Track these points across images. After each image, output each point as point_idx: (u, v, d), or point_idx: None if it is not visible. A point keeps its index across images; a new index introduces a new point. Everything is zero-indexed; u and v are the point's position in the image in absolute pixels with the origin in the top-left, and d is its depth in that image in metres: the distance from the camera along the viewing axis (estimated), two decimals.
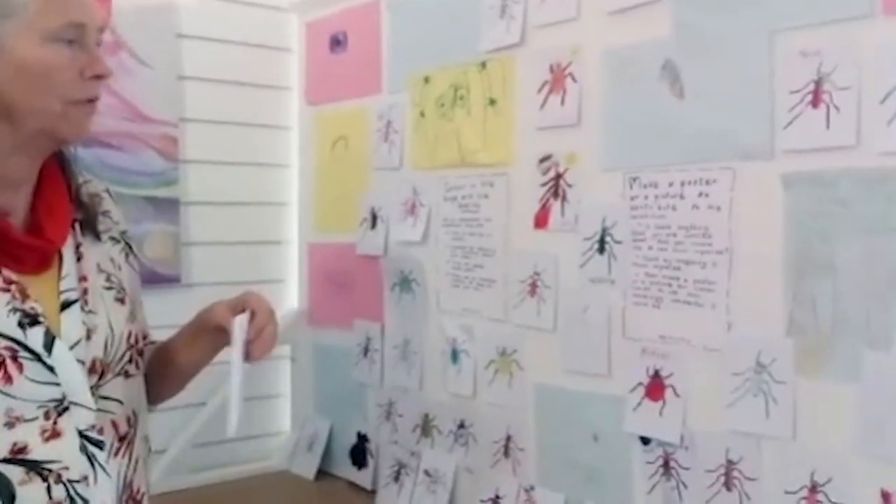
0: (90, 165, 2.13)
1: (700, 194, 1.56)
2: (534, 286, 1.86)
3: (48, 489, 1.07)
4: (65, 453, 1.09)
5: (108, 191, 1.32)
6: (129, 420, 1.18)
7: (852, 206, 1.36)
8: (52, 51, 1.08)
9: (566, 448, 1.80)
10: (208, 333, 1.28)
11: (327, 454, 2.41)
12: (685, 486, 1.58)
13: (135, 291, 1.28)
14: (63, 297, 1.13)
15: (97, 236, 1.22)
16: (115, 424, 1.15)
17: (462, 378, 2.03)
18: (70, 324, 1.12)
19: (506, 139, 1.92)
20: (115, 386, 1.15)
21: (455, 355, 2.05)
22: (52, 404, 1.08)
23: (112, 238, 1.26)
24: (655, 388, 1.64)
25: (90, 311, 1.14)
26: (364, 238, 2.30)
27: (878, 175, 1.32)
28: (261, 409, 2.54)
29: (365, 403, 2.31)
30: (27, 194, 1.15)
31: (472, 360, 2.00)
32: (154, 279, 2.26)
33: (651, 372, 1.64)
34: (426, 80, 2.12)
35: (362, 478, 2.29)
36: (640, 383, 1.66)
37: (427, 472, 2.09)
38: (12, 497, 1.05)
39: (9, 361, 1.06)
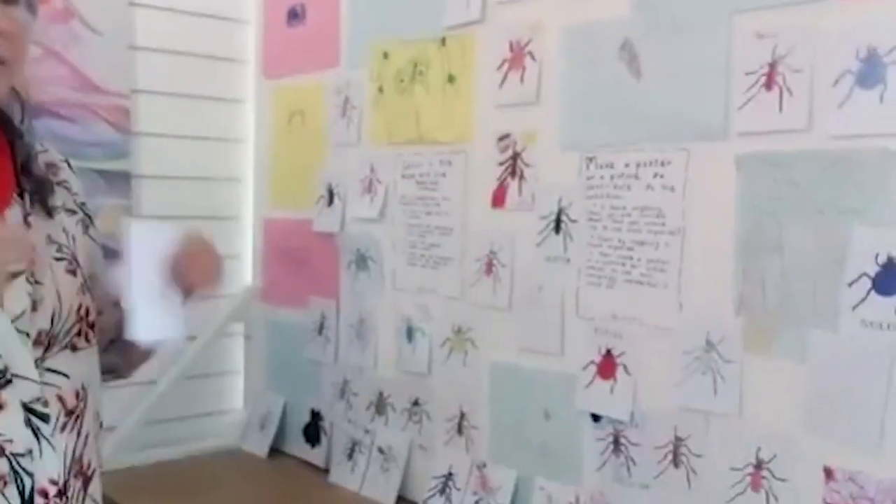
0: (40, 136, 2.12)
1: (655, 175, 1.57)
2: (490, 265, 1.86)
3: None
4: (8, 426, 1.06)
5: (67, 161, 1.28)
6: (77, 394, 1.15)
7: (803, 188, 1.38)
8: None
9: (519, 425, 1.81)
10: None
11: (280, 432, 2.40)
12: (634, 463, 1.60)
13: (94, 264, 1.25)
14: (7, 268, 1.08)
15: (47, 206, 1.18)
16: (61, 398, 1.12)
17: (417, 356, 2.03)
18: (13, 295, 1.08)
19: (464, 117, 1.92)
20: (61, 359, 1.13)
21: (410, 333, 2.04)
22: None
23: (68, 210, 1.23)
24: (607, 366, 1.65)
25: (36, 283, 1.11)
26: (320, 215, 2.29)
27: (829, 158, 1.34)
28: (213, 386, 2.52)
29: (319, 381, 2.30)
30: None
31: (427, 338, 2.00)
32: (105, 254, 2.21)
33: (603, 351, 1.65)
34: (385, 55, 2.10)
35: (315, 456, 2.28)
36: (593, 362, 1.67)
37: (380, 450, 2.09)
38: None
39: None
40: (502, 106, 1.84)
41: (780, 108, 1.39)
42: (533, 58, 1.77)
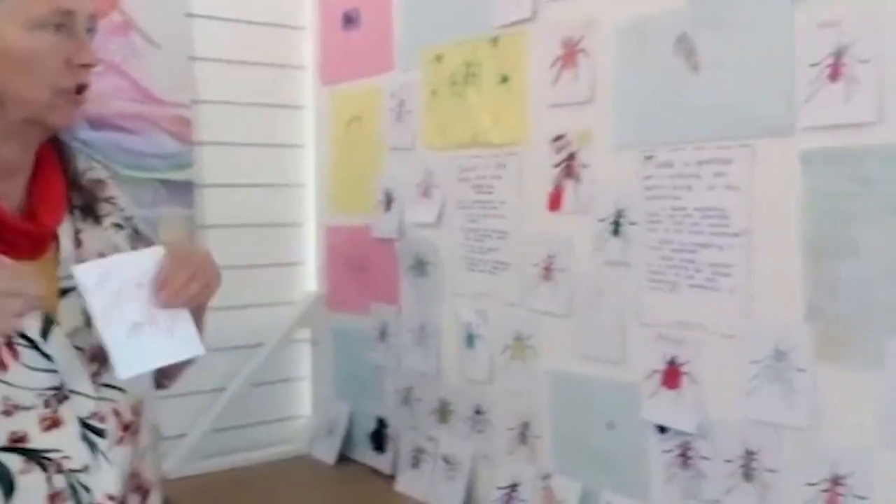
0: (103, 149, 2.16)
1: (716, 174, 1.49)
2: (548, 270, 1.81)
3: (48, 479, 1.05)
4: (65, 442, 1.07)
5: (111, 177, 1.30)
6: (133, 409, 1.15)
7: (874, 186, 1.28)
8: (38, 38, 1.06)
9: (583, 436, 1.75)
10: None
11: (348, 438, 2.39)
12: (704, 477, 1.53)
13: None
14: (62, 283, 1.11)
15: (98, 222, 1.20)
16: (117, 413, 1.12)
17: (477, 363, 1.98)
18: (69, 311, 1.10)
19: (518, 118, 1.86)
20: (113, 373, 1.11)
21: (470, 340, 2.00)
22: (51, 392, 1.06)
23: (115, 224, 1.23)
24: (672, 375, 1.58)
25: None
26: (379, 220, 2.26)
27: None
28: (281, 393, 2.52)
29: (383, 388, 2.28)
30: (22, 181, 1.13)
31: (487, 345, 1.96)
32: None
33: (667, 359, 1.58)
34: (438, 57, 2.06)
35: (382, 463, 2.26)
36: (656, 370, 1.60)
37: (445, 459, 2.06)
38: (11, 486, 1.03)
39: (3, 348, 1.03)
40: (556, 105, 1.77)
41: (848, 101, 1.30)
42: (586, 55, 1.71)
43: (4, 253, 1.06)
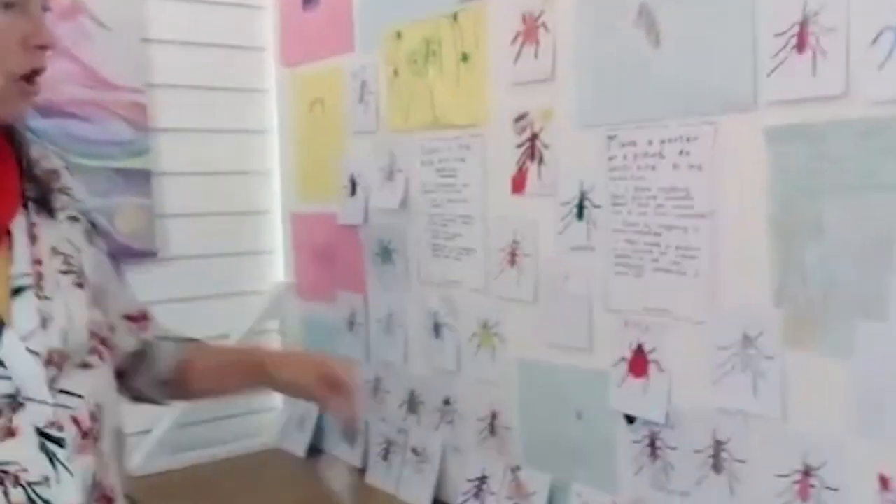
0: (54, 137, 2.07)
1: (680, 152, 1.42)
2: (513, 255, 1.74)
3: (5, 493, 0.98)
4: (22, 453, 0.99)
5: (66, 166, 1.21)
6: (92, 415, 1.07)
7: (841, 162, 1.21)
8: None
9: (551, 426, 1.69)
10: (266, 379, 1.30)
11: (318, 431, 2.32)
12: (672, 468, 1.47)
13: (103, 273, 1.19)
14: (14, 282, 1.03)
15: (52, 215, 1.12)
16: (76, 420, 1.04)
17: (445, 353, 1.92)
18: (22, 312, 1.02)
19: (479, 97, 1.79)
20: (75, 379, 1.05)
21: (437, 329, 1.94)
22: (5, 401, 0.98)
23: (71, 217, 1.15)
24: (638, 363, 1.52)
25: (45, 298, 1.04)
26: (344, 206, 2.19)
27: (868, 126, 1.18)
28: None
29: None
30: None
31: (454, 334, 1.90)
32: (128, 253, 2.17)
33: (634, 346, 1.52)
34: (398, 35, 1.98)
35: (353, 455, 2.19)
36: (623, 358, 1.54)
37: (415, 451, 2.00)
38: None
39: None
40: (517, 84, 1.70)
41: (814, 73, 1.23)
42: (546, 30, 1.63)
43: None
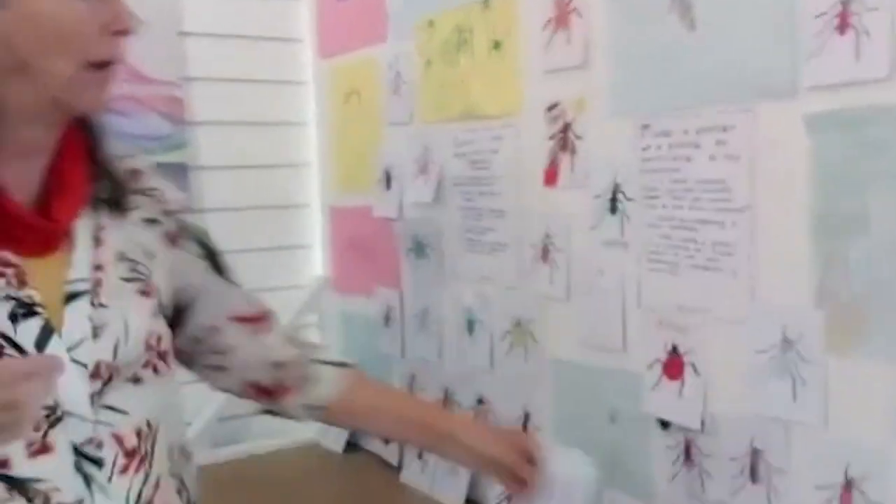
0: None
1: (717, 142, 1.34)
2: (546, 250, 1.67)
3: None
4: (55, 471, 0.93)
5: (154, 168, 1.17)
6: (139, 433, 1.01)
7: (887, 150, 1.12)
8: (66, 4, 0.93)
9: (585, 428, 1.62)
10: (452, 447, 1.26)
11: None
12: (709, 476, 1.39)
13: (195, 276, 1.15)
14: (69, 287, 0.98)
15: (124, 217, 1.06)
16: (118, 438, 0.98)
17: (478, 350, 1.86)
18: (74, 319, 0.97)
19: (512, 86, 1.72)
20: (122, 393, 0.99)
21: (471, 325, 1.88)
22: (42, 413, 0.92)
23: (148, 220, 1.10)
24: (673, 365, 1.44)
25: (101, 306, 0.99)
26: (379, 200, 2.14)
27: None
28: None
29: (390, 374, 2.17)
30: (40, 166, 1.00)
31: (487, 330, 1.84)
32: None
33: (669, 347, 1.44)
34: (431, 24, 1.93)
35: (389, 453, 2.16)
36: (658, 359, 1.46)
37: None
38: None
39: None
40: (549, 72, 1.63)
41: (857, 56, 1.14)
42: (579, 15, 1.56)
43: (8, 248, 0.95)
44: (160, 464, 1.03)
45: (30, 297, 0.94)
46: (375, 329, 2.19)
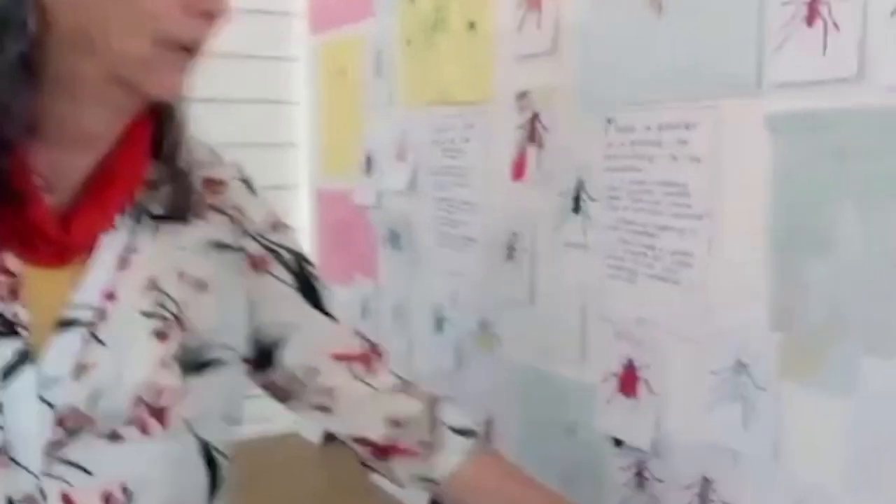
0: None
1: (679, 141, 1.22)
2: (511, 249, 1.57)
3: None
4: None
5: (246, 181, 1.04)
6: (107, 498, 0.85)
7: (852, 160, 0.99)
8: None
9: (543, 440, 1.52)
10: None
11: None
12: (659, 502, 1.28)
13: (285, 308, 1.02)
14: (66, 312, 0.84)
15: (175, 236, 0.92)
16: (67, 500, 0.83)
17: (445, 350, 1.77)
18: (58, 351, 0.83)
19: (484, 71, 1.61)
20: (88, 450, 0.84)
21: (440, 323, 1.79)
22: None
23: (219, 245, 0.96)
24: (628, 380, 1.33)
25: (96, 342, 0.85)
26: (359, 185, 2.05)
27: (886, 117, 0.95)
28: None
29: None
30: (93, 160, 0.87)
31: (455, 330, 1.74)
32: None
33: (625, 361, 1.33)
34: (411, 0, 1.82)
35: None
36: (614, 373, 1.35)
37: None
38: None
39: None
40: (521, 57, 1.51)
41: (824, 50, 1.01)
42: None
43: (15, 250, 0.83)
44: None
45: (15, 314, 0.81)
46: (353, 321, 2.10)
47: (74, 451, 0.83)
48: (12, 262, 0.83)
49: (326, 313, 1.08)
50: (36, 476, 0.81)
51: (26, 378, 0.81)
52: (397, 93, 1.90)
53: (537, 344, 1.52)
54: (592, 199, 1.37)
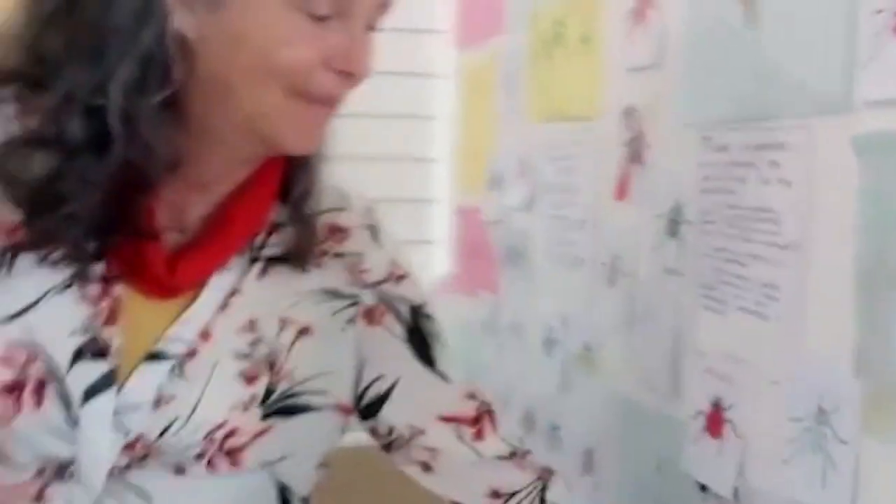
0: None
1: (770, 163, 1.11)
2: (614, 271, 1.49)
3: None
4: None
5: (373, 228, 1.03)
6: None
7: None
8: (288, 22, 0.79)
9: (638, 477, 1.44)
10: None
11: None
12: None
13: (391, 363, 1.00)
14: (159, 345, 0.86)
15: (283, 281, 0.93)
16: None
17: (553, 372, 1.71)
18: (142, 380, 0.85)
19: (595, 86, 1.55)
20: (152, 478, 0.86)
21: (550, 345, 1.73)
22: (55, 462, 0.83)
23: (329, 292, 0.96)
24: (715, 420, 1.23)
25: (180, 377, 0.86)
26: (486, 201, 2.04)
27: None
28: None
29: (487, 383, 2.06)
30: (216, 200, 0.90)
31: (562, 353, 1.68)
32: None
33: (713, 399, 1.23)
34: (535, 16, 1.79)
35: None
36: (702, 411, 1.25)
37: None
38: None
39: (29, 390, 0.82)
40: (628, 72, 1.44)
41: None
42: (655, 6, 1.36)
43: (125, 279, 0.86)
44: None
45: (109, 339, 0.84)
46: (475, 335, 2.09)
47: (139, 476, 0.85)
48: (121, 289, 0.86)
49: (437, 372, 1.04)
50: (95, 494, 0.84)
51: (106, 401, 0.83)
52: (521, 109, 1.87)
53: (634, 373, 1.44)
54: (688, 223, 1.29)
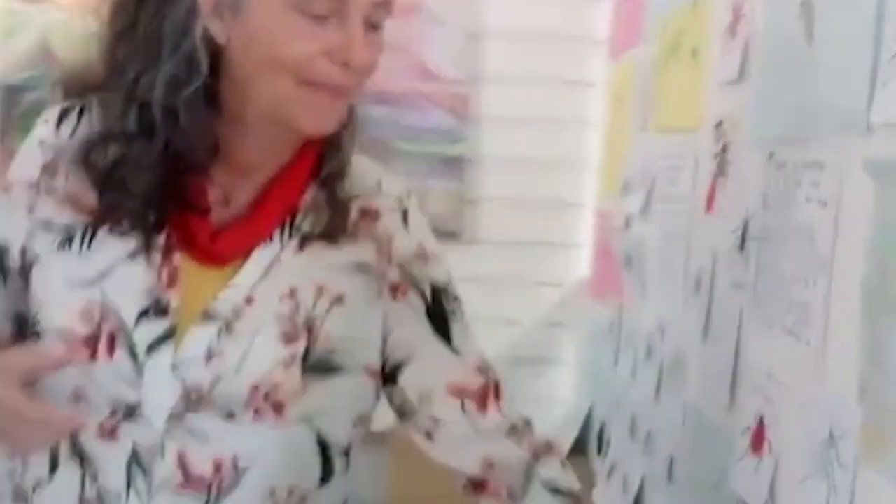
0: (383, 124, 2.28)
1: (812, 183, 1.10)
2: (698, 283, 1.50)
3: (82, 482, 0.98)
4: (108, 458, 0.98)
5: (405, 210, 1.10)
6: (218, 466, 0.98)
7: None
8: (290, 22, 0.91)
9: (702, 487, 1.44)
10: None
11: (583, 433, 2.25)
12: None
13: (410, 334, 1.09)
14: (212, 304, 0.99)
15: (313, 254, 1.03)
16: (182, 459, 0.97)
17: (648, 380, 1.72)
18: (196, 337, 0.98)
19: (696, 98, 1.55)
20: (206, 422, 0.98)
21: (650, 352, 1.75)
22: (123, 405, 0.97)
23: (361, 265, 1.05)
24: (758, 437, 1.22)
25: (228, 335, 0.98)
26: (617, 207, 2.06)
27: None
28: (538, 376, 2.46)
29: (603, 387, 2.10)
30: (257, 182, 1.03)
31: (657, 361, 1.69)
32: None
33: (758, 416, 1.22)
34: (665, 26, 1.80)
35: (596, 464, 2.10)
36: (748, 428, 1.24)
37: (625, 478, 1.84)
38: (56, 466, 1.00)
39: (103, 342, 0.96)
40: (719, 85, 1.45)
41: None
42: (746, 21, 1.36)
43: (183, 248, 1.00)
44: (244, 501, 0.99)
45: (169, 301, 0.97)
46: (599, 339, 2.13)
47: (195, 420, 0.97)
48: (179, 258, 1.00)
49: (452, 347, 1.11)
50: (158, 433, 0.97)
51: (165, 354, 0.97)
52: (645, 118, 1.89)
53: (704, 385, 1.44)
54: (753, 238, 1.28)
